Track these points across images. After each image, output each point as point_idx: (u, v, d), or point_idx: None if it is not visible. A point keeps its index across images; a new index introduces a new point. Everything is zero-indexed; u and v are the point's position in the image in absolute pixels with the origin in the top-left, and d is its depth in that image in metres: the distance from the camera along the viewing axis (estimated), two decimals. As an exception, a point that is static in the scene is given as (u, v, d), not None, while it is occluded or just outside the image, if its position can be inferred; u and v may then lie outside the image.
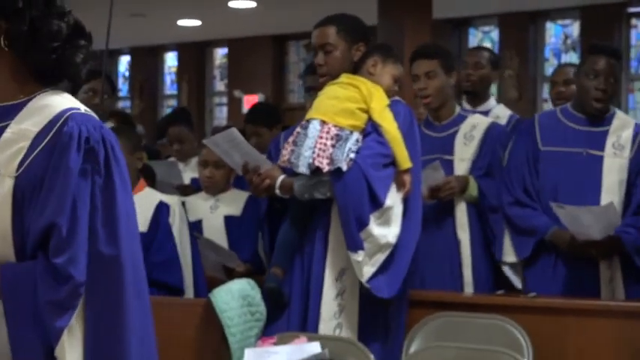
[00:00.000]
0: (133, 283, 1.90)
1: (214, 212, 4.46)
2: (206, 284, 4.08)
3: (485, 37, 12.25)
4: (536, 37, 11.70)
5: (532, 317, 3.73)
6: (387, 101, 3.68)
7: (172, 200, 4.12)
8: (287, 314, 3.65)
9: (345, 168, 3.51)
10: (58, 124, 1.87)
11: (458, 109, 4.35)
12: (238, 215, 4.43)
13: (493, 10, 11.59)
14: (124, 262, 1.88)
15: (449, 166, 4.21)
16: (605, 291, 3.92)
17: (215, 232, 4.38)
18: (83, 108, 1.94)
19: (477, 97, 4.73)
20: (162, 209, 4.00)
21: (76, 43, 1.95)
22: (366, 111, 3.64)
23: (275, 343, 3.47)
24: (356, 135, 3.59)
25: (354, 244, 3.52)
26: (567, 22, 11.66)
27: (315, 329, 3.57)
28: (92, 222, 1.85)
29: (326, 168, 3.51)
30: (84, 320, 1.85)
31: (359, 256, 3.51)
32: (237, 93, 13.91)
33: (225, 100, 14.68)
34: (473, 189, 4.16)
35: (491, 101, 4.74)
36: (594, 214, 3.75)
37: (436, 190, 4.09)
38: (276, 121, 5.19)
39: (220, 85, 14.96)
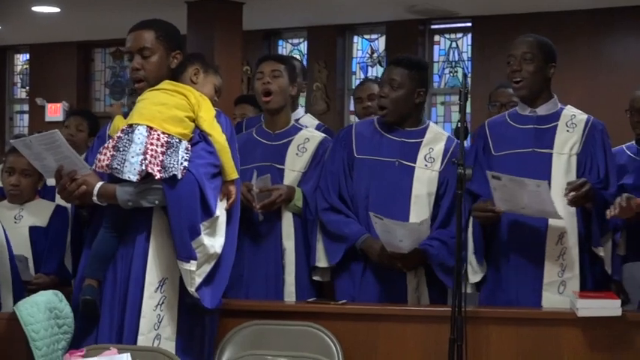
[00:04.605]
0: None
1: (19, 222, 4.30)
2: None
3: (294, 49, 12.42)
4: (344, 51, 11.96)
5: (343, 324, 3.80)
6: (214, 111, 3.66)
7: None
8: (96, 326, 3.53)
9: (180, 176, 3.45)
10: None
11: (293, 121, 4.40)
12: (44, 226, 4.29)
13: (302, 22, 11.76)
14: None
15: (279, 174, 4.24)
16: (412, 298, 4.04)
17: (19, 243, 4.19)
18: None
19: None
20: None
21: None
22: (194, 120, 3.60)
23: (83, 356, 3.36)
24: (185, 143, 3.54)
25: (187, 254, 3.46)
26: (374, 36, 12.00)
27: (134, 341, 3.47)
28: None
29: (158, 175, 3.43)
30: None
31: (191, 265, 3.46)
32: (39, 101, 13.52)
33: (26, 107, 14.23)
34: (298, 200, 4.19)
35: (300, 111, 4.80)
36: (408, 230, 3.86)
37: (268, 201, 4.10)
38: (97, 129, 5.16)
39: (21, 92, 14.50)
